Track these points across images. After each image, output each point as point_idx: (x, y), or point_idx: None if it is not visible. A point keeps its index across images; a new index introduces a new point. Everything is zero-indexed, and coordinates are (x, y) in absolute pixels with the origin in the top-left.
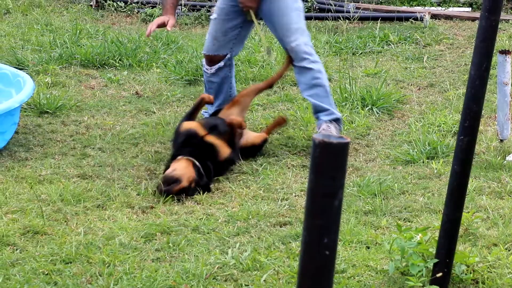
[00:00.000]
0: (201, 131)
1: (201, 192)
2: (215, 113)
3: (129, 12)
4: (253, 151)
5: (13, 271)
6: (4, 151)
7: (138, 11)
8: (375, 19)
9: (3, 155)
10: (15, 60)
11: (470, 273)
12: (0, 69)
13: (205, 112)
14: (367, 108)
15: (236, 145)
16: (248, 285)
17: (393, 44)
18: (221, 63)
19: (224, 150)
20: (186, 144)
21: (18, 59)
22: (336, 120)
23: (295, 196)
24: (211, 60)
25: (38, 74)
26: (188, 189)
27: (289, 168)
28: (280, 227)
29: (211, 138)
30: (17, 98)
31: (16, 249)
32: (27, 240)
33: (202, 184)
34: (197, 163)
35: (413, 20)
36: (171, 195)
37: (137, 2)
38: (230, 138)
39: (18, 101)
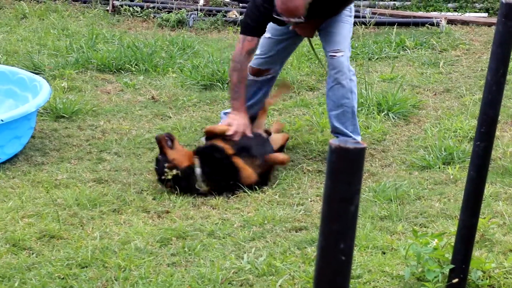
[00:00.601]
0: (229, 150)
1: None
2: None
3: (145, 17)
4: (280, 151)
5: (29, 275)
6: (20, 155)
7: (154, 16)
8: (391, 24)
9: (20, 160)
10: (31, 64)
11: (486, 279)
12: (16, 74)
13: (225, 113)
14: (383, 113)
15: (267, 177)
16: None
17: (409, 49)
18: (269, 75)
19: (250, 176)
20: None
21: (34, 63)
22: None
23: (311, 201)
24: (259, 72)
25: (55, 79)
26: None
27: (304, 173)
28: (296, 232)
29: (237, 160)
30: (34, 102)
31: (32, 253)
32: (43, 244)
33: (182, 179)
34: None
35: (429, 26)
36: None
37: (153, 7)
38: (265, 171)
39: (34, 105)
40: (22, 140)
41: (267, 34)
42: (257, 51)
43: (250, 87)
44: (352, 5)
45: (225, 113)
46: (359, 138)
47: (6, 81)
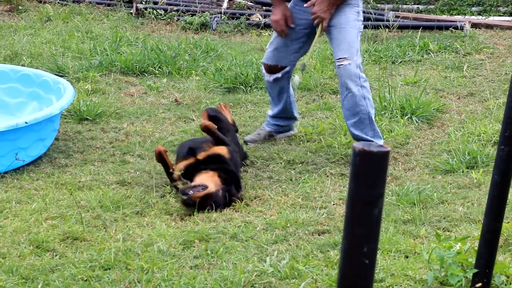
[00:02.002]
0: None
1: (229, 203)
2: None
3: (168, 20)
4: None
5: (52, 276)
6: (44, 157)
7: (178, 19)
8: (415, 27)
9: (43, 162)
10: (55, 67)
11: (510, 283)
12: (41, 76)
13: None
14: (407, 117)
15: (225, 136)
16: None
17: (433, 53)
18: (279, 74)
19: (220, 151)
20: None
21: (58, 66)
22: None
23: (334, 204)
24: (269, 69)
25: (78, 81)
26: (215, 196)
27: (327, 176)
28: (319, 235)
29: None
30: (58, 105)
31: (56, 255)
32: (66, 246)
33: (231, 193)
34: (223, 174)
35: (453, 29)
36: (197, 206)
37: (177, 10)
38: (217, 139)
39: (58, 107)
40: (46, 142)
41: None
42: (267, 46)
43: (272, 97)
44: (360, 9)
45: (271, 116)
46: (381, 142)
47: (30, 84)
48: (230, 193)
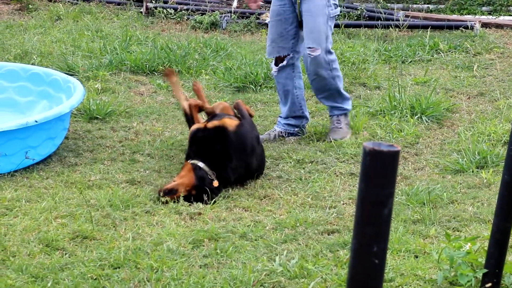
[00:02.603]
0: (202, 124)
1: (209, 195)
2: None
3: (178, 19)
4: None
5: (62, 275)
6: (54, 156)
7: (188, 18)
8: (424, 27)
9: (53, 160)
10: (65, 66)
11: None
12: (51, 75)
13: (280, 116)
14: (416, 116)
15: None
16: None
17: (442, 52)
18: (284, 62)
19: (232, 123)
20: (193, 143)
21: (68, 65)
22: (346, 114)
23: (343, 204)
24: (276, 61)
25: (88, 80)
26: (188, 197)
27: (337, 175)
28: (328, 235)
29: (213, 123)
30: (67, 103)
31: (65, 254)
32: (76, 245)
33: (207, 187)
34: (201, 165)
35: (463, 29)
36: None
37: (187, 9)
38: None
39: (68, 106)
40: (56, 141)
41: (267, 19)
42: (266, 42)
43: (280, 95)
44: None
45: (282, 117)
46: (349, 103)
47: (40, 82)
48: (204, 187)
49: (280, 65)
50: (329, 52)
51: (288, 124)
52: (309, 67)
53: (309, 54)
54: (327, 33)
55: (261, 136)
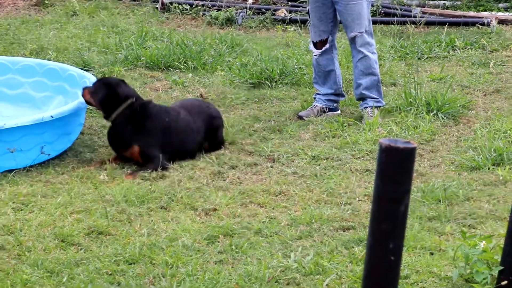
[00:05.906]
0: None
1: None
2: None
3: (194, 15)
4: None
5: (77, 270)
6: (69, 151)
7: (203, 14)
8: (441, 24)
9: (69, 156)
10: (81, 61)
11: None
12: (67, 70)
13: (317, 94)
14: (432, 113)
15: None
16: None
17: (459, 49)
18: (327, 46)
19: None
20: None
21: (84, 60)
22: (378, 108)
23: (359, 200)
24: (318, 46)
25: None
26: None
27: (352, 172)
28: (343, 231)
29: None
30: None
31: (81, 249)
32: (91, 240)
33: None
34: None
35: (479, 25)
36: None
37: (203, 5)
38: None
39: (84, 102)
40: (72, 136)
41: (308, 7)
42: (309, 28)
43: (319, 76)
44: None
45: (322, 94)
46: (383, 102)
47: (56, 78)
48: None
49: (323, 48)
50: (371, 35)
51: (329, 100)
52: (355, 49)
53: (353, 37)
54: (368, 17)
55: (305, 112)
